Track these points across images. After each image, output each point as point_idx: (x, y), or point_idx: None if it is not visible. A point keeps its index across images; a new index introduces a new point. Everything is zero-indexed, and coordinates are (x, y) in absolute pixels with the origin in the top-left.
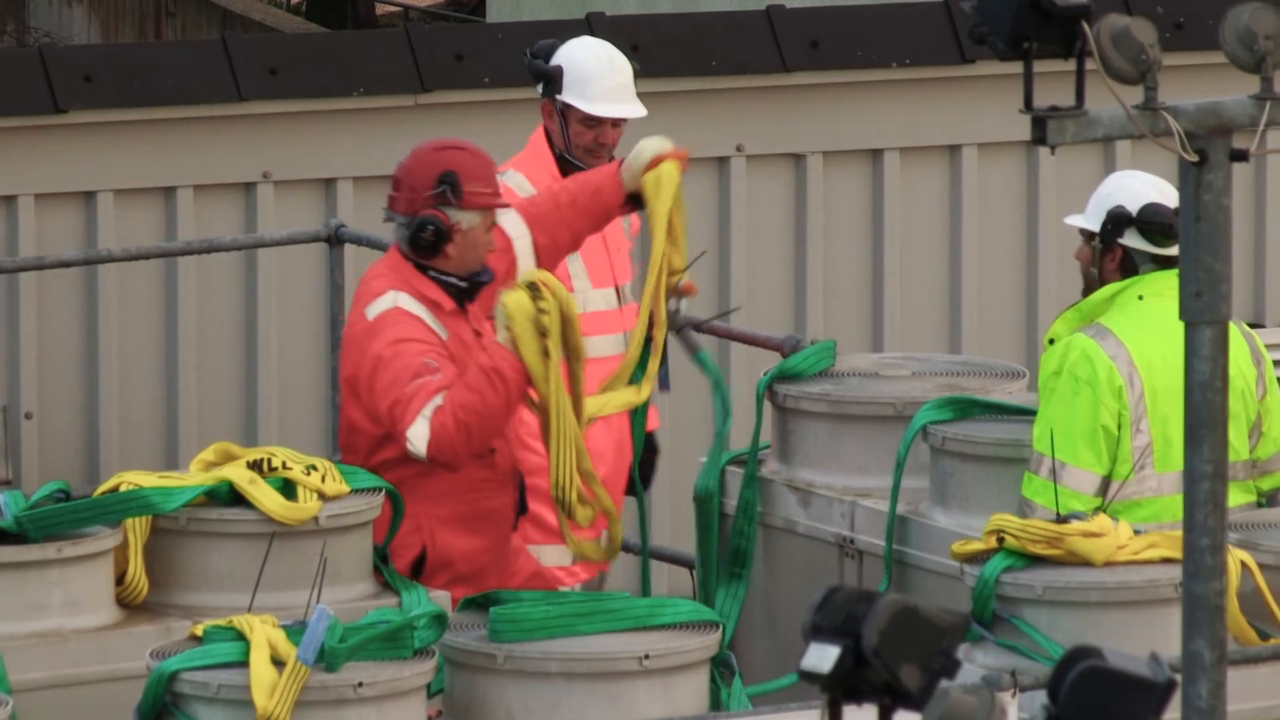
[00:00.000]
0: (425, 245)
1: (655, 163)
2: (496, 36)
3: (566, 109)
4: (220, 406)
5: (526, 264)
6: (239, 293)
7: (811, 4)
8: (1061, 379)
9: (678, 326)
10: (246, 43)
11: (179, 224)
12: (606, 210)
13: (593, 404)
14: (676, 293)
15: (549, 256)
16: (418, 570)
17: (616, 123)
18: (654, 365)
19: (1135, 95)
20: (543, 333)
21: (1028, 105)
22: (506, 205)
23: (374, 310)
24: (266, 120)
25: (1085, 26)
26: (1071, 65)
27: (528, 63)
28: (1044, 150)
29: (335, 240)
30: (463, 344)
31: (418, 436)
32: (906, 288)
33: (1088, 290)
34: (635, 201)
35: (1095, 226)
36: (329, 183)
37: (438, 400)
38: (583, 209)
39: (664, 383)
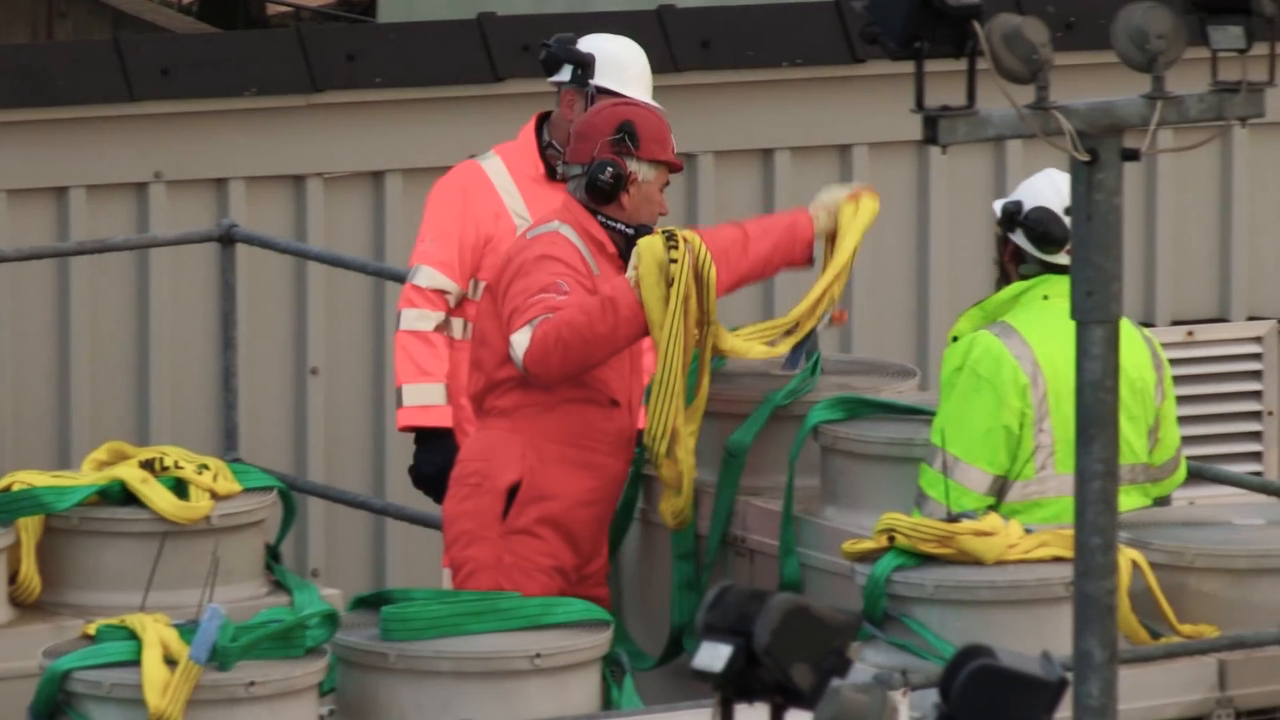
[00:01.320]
0: (603, 188)
1: (852, 200)
2: (388, 37)
3: (599, 94)
4: (113, 406)
5: None
6: (131, 293)
7: (702, 4)
8: (963, 375)
9: (812, 344)
10: (138, 43)
11: (71, 224)
12: (791, 248)
13: (738, 343)
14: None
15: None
16: (510, 498)
17: None
18: (794, 339)
19: (1027, 95)
20: (669, 282)
21: (919, 105)
22: (680, 167)
23: (534, 232)
24: (158, 120)
25: (977, 26)
26: (963, 65)
27: (557, 51)
28: (935, 150)
29: (227, 240)
30: None
31: (520, 342)
32: (798, 286)
33: (999, 276)
34: (809, 253)
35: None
36: (221, 183)
37: (550, 315)
38: (774, 244)
39: (793, 361)
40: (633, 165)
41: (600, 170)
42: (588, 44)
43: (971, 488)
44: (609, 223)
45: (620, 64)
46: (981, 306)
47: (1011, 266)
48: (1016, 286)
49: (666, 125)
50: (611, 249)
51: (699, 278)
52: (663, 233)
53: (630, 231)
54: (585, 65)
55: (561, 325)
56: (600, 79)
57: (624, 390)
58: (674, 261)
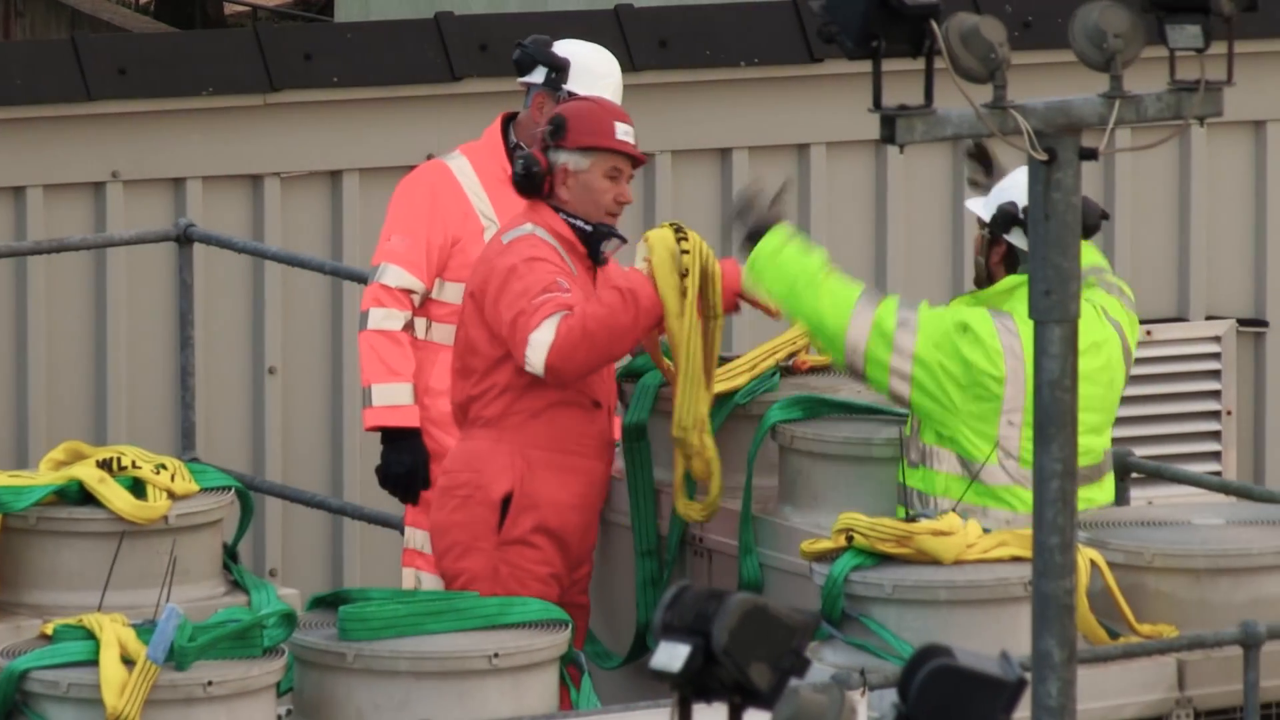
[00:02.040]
0: (518, 180)
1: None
2: (345, 36)
3: (571, 99)
4: (70, 405)
5: None
6: (89, 292)
7: (659, 3)
8: (955, 316)
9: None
10: (95, 42)
11: (28, 223)
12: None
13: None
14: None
15: None
16: (504, 508)
17: None
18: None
19: (984, 94)
20: (682, 273)
21: (877, 104)
22: (630, 151)
23: (510, 236)
24: (116, 120)
25: (934, 25)
26: (921, 64)
27: (532, 53)
28: (892, 149)
29: (184, 240)
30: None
31: (541, 341)
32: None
33: (978, 277)
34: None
35: (988, 216)
36: (178, 182)
37: (566, 312)
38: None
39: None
40: (562, 157)
41: (515, 165)
42: (564, 48)
43: (895, 330)
44: (570, 220)
45: (595, 73)
46: (976, 296)
47: (1000, 269)
48: (1013, 279)
49: (610, 114)
50: (580, 249)
51: (705, 271)
52: (671, 225)
53: (589, 229)
54: (560, 69)
55: (587, 319)
56: (572, 84)
57: (605, 392)
58: (685, 252)
